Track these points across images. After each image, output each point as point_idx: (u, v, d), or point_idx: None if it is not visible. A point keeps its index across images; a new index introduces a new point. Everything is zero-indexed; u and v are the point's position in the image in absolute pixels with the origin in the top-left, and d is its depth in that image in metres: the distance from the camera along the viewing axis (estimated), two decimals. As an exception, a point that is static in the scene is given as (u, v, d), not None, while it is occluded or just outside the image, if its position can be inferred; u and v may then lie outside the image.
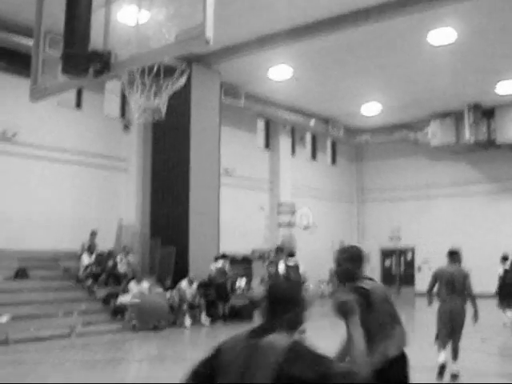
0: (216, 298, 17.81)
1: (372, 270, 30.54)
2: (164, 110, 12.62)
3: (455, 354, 9.49)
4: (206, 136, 19.07)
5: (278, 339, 2.87)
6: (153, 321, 15.51)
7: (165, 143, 19.07)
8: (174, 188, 18.73)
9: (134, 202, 19.36)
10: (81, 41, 4.53)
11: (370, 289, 4.43)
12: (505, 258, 16.63)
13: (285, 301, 3.04)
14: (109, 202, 18.84)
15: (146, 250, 18.97)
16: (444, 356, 9.35)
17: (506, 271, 16.37)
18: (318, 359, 2.79)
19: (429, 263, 25.37)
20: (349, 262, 4.51)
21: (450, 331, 9.47)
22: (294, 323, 3.02)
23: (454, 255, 9.77)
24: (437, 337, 9.59)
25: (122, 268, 17.35)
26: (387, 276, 30.55)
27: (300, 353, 2.80)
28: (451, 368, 9.35)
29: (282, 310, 3.02)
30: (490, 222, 26.64)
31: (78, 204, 17.96)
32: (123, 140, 19.45)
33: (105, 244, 17.95)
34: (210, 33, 3.90)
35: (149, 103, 12.10)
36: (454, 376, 9.32)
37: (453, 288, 9.46)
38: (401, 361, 4.47)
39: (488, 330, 14.46)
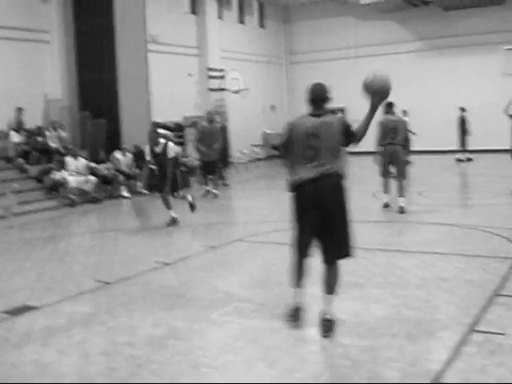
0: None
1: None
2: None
3: (400, 192, 11.81)
4: (130, 0, 18.20)
5: (332, 116, 5.44)
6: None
7: (87, 10, 18.11)
8: (101, 58, 18.01)
9: (59, 75, 18.57)
10: None
11: None
12: None
13: (324, 96, 5.47)
14: (33, 77, 18.01)
15: (75, 123, 18.48)
16: (387, 198, 12.20)
17: None
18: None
19: (358, 123, 25.81)
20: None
21: (389, 170, 12.08)
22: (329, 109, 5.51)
23: (391, 106, 12.00)
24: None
25: (52, 144, 16.95)
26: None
27: (344, 119, 5.49)
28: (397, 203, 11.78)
29: (323, 102, 5.47)
30: (419, 79, 27.03)
31: (0, 81, 17.11)
32: (42, 10, 18.30)
33: (32, 120, 17.38)
34: None
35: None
36: (401, 208, 11.61)
37: (395, 134, 11.82)
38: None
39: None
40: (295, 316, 5.55)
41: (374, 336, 5.25)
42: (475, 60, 26.14)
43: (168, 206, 11.56)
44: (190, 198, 11.92)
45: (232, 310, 6.14)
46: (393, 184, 12.20)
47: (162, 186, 11.39)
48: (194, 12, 24.88)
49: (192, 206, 11.92)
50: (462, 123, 22.43)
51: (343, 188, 5.38)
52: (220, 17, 26.07)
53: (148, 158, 11.45)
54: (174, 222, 11.53)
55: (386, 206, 12.20)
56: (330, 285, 5.46)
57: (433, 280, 6.95)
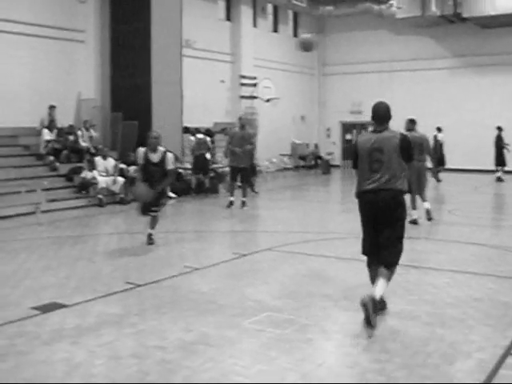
0: (194, 171, 18.05)
1: (334, 143, 30.87)
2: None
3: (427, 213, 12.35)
4: (167, 5, 18.28)
5: (392, 132, 6.01)
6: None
7: (124, 13, 18.23)
8: (135, 60, 18.10)
9: (93, 75, 18.71)
10: None
11: None
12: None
13: (386, 115, 6.04)
14: (67, 76, 18.14)
15: (107, 124, 18.58)
16: (416, 214, 12.16)
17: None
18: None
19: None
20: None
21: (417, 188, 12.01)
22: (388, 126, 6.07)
23: (413, 123, 12.37)
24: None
25: (83, 143, 17.06)
26: (348, 149, 30.84)
27: (405, 136, 6.11)
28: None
29: (385, 120, 6.04)
30: (452, 96, 26.80)
31: (34, 78, 17.22)
32: (80, 11, 18.46)
33: (64, 119, 17.50)
34: None
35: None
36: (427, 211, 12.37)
37: (421, 151, 11.99)
38: None
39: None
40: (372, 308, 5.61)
41: (409, 354, 5.14)
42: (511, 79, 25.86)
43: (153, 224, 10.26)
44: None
45: (264, 318, 6.07)
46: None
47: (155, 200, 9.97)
48: (228, 19, 24.98)
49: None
50: (499, 142, 22.33)
51: (401, 202, 6.01)
52: (254, 25, 26.14)
53: (141, 162, 10.05)
54: (150, 241, 10.16)
55: (415, 222, 12.02)
56: (382, 276, 5.86)
57: (466, 300, 6.82)
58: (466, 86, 26.62)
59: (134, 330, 5.74)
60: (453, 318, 6.12)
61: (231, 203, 15.03)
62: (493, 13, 23.62)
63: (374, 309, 5.59)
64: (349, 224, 12.22)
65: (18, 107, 16.62)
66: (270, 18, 27.64)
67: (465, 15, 24.25)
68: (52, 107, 17.07)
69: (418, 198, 12.28)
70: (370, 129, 6.24)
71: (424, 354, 5.12)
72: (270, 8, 27.39)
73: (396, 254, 6.03)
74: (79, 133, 17.10)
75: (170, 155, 9.90)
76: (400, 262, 6.16)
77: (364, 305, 5.55)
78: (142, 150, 10.04)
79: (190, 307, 6.48)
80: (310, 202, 18.21)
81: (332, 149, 30.53)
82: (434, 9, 24.17)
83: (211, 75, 23.59)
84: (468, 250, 9.83)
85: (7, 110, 16.30)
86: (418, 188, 12.09)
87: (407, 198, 7.22)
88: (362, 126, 30.10)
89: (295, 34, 29.43)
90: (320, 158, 29.55)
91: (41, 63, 17.40)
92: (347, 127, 30.77)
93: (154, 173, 9.76)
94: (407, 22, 26.23)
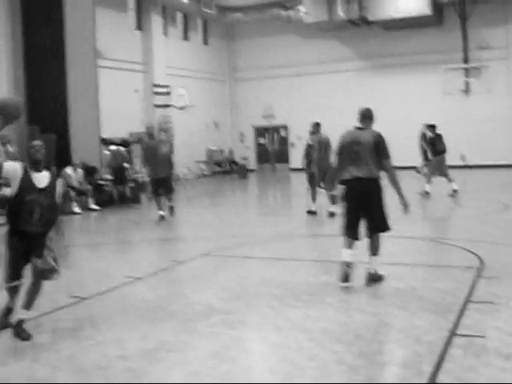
0: (114, 182, 17.91)
1: (248, 147, 31.23)
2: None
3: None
4: (79, 14, 18.06)
5: (370, 131, 7.27)
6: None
7: (36, 25, 17.86)
8: (50, 72, 17.75)
9: (6, 89, 18.22)
10: None
11: None
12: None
13: (369, 116, 7.36)
14: (-22, 90, 17.63)
15: (23, 138, 18.12)
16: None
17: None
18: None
19: (302, 140, 26.23)
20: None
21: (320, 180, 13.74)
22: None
23: (318, 125, 13.79)
24: None
25: (0, 158, 16.59)
26: (262, 153, 31.33)
27: (379, 134, 7.25)
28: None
29: (368, 121, 7.34)
30: (360, 98, 27.66)
31: None
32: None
33: (-24, 135, 16.99)
34: None
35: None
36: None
37: (325, 150, 13.38)
38: None
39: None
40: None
41: (363, 343, 5.42)
42: (415, 79, 27.04)
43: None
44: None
45: (216, 321, 6.20)
46: None
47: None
48: (139, 28, 24.89)
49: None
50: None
51: (378, 185, 7.21)
52: (165, 33, 26.17)
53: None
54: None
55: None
56: (374, 249, 7.36)
57: (405, 289, 7.19)
58: (371, 87, 27.56)
59: (93, 341, 5.75)
60: (397, 307, 6.46)
61: (162, 218, 14.11)
62: (396, 15, 24.67)
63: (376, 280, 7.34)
64: (275, 227, 12.72)
65: None
66: (180, 26, 27.72)
67: (370, 18, 25.22)
68: None
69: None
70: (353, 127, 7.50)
71: (377, 342, 5.41)
72: (179, 16, 27.47)
73: (384, 221, 7.41)
74: (-5, 149, 16.62)
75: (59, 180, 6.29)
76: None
77: (371, 282, 7.30)
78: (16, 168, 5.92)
79: (141, 316, 6.54)
80: (233, 206, 18.47)
81: (246, 153, 30.90)
82: (340, 13, 24.98)
83: (125, 85, 23.47)
84: (398, 242, 10.30)
85: None
86: (322, 180, 13.55)
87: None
88: (274, 130, 30.66)
89: (206, 42, 29.65)
90: (235, 163, 29.87)
91: None
92: (260, 131, 31.23)
93: (41, 200, 5.87)
94: (315, 26, 26.95)
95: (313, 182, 13.95)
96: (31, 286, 6.06)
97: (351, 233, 7.24)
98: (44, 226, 5.94)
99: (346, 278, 7.15)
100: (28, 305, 6.05)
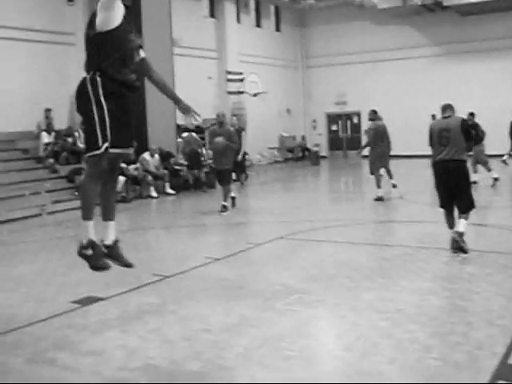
0: (189, 167, 18.34)
1: (320, 134, 31.31)
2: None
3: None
4: (156, 5, 18.56)
5: (456, 117, 8.46)
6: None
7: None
8: (128, 61, 18.34)
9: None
10: None
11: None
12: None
13: (450, 106, 8.56)
14: (59, 79, 18.35)
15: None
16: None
17: None
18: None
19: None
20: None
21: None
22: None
23: (375, 113, 14.29)
24: None
25: (81, 144, 17.30)
26: (334, 140, 31.36)
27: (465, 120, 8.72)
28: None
29: (450, 110, 8.50)
30: (435, 85, 27.30)
31: (28, 83, 17.43)
32: (67, 12, 18.69)
33: (59, 122, 17.76)
34: None
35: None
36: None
37: (382, 138, 14.17)
38: None
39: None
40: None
41: (436, 324, 5.57)
42: (492, 65, 26.42)
43: None
44: None
45: (295, 300, 6.47)
46: None
47: None
48: (213, 16, 25.28)
49: None
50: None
51: (465, 167, 8.31)
52: (238, 20, 26.47)
53: None
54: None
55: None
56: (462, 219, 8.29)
57: (479, 274, 7.27)
58: (447, 73, 27.14)
59: (177, 316, 6.11)
60: (471, 292, 6.57)
61: (224, 207, 13.40)
62: (472, 0, 24.18)
63: (461, 239, 8.12)
64: (346, 212, 12.95)
65: (13, 112, 16.84)
66: (253, 13, 27.99)
67: (445, 3, 24.81)
68: (48, 110, 17.32)
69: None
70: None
71: (451, 324, 5.56)
72: (252, 3, 27.74)
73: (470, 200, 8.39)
74: (77, 134, 17.35)
75: None
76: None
77: (454, 239, 8.16)
78: None
79: (222, 294, 6.86)
80: (305, 192, 18.67)
81: (318, 140, 30.98)
82: (414, -3, 24.73)
83: (198, 72, 23.91)
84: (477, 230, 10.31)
85: (2, 114, 16.51)
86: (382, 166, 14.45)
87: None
88: (347, 117, 30.60)
89: (278, 29, 29.82)
90: (307, 149, 30.00)
91: (32, 67, 17.62)
92: (332, 118, 31.24)
93: None
94: (388, 12, 26.73)
95: (373, 169, 14.45)
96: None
97: (445, 207, 8.44)
98: None
99: (459, 247, 8.18)
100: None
